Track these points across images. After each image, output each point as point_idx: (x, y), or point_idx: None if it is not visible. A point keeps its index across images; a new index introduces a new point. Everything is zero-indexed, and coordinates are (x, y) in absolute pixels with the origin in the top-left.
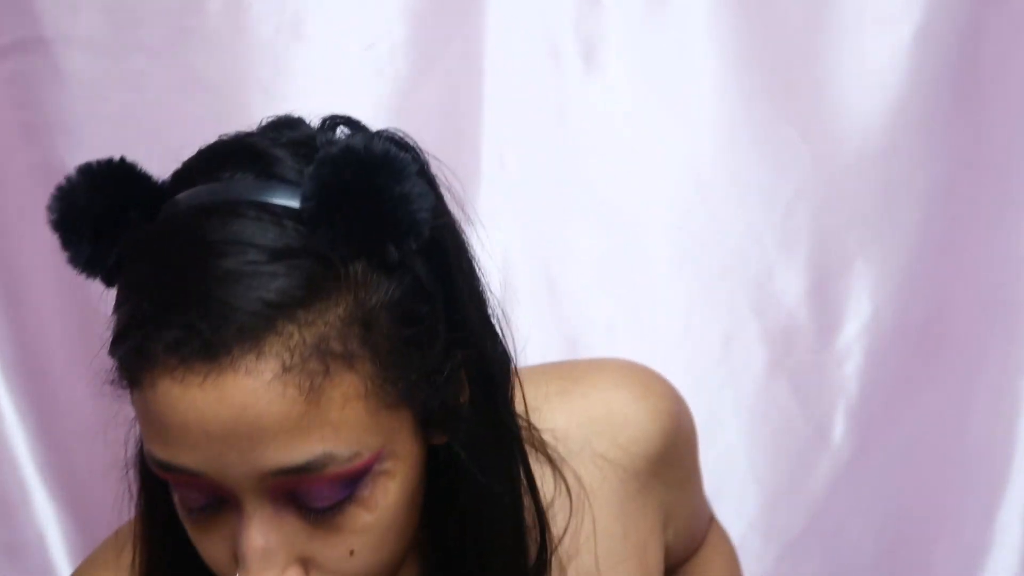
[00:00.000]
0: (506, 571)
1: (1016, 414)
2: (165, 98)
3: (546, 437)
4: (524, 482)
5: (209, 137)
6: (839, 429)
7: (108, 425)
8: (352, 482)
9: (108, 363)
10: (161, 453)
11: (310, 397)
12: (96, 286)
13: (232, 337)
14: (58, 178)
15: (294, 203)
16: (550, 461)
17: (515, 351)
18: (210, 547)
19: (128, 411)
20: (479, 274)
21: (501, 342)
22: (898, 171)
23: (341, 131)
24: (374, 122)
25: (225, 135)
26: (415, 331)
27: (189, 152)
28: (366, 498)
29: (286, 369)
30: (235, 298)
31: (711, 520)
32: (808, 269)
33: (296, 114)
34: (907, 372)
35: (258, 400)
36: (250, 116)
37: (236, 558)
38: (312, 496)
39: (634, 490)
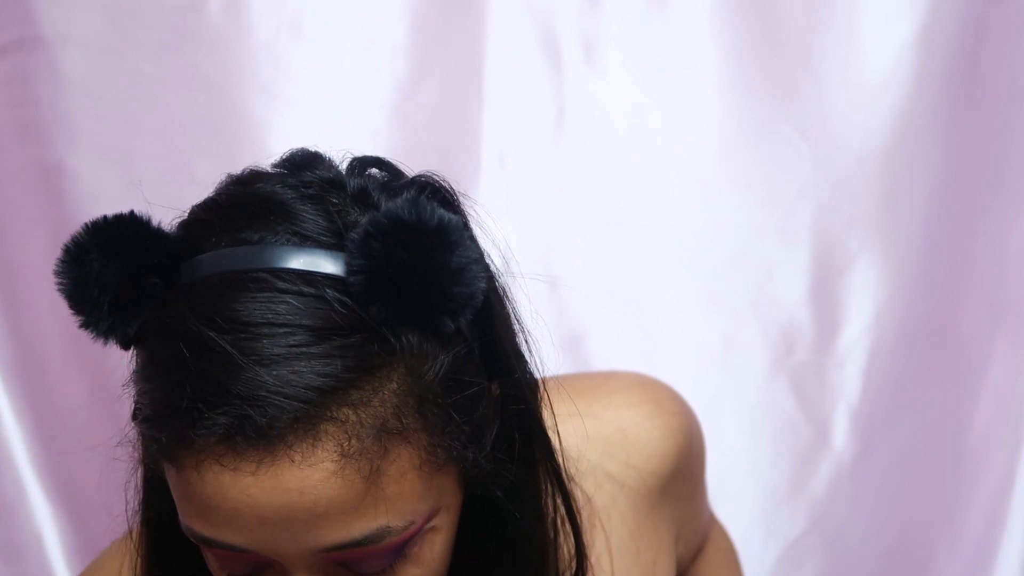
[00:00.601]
0: None
1: (1019, 414)
2: (165, 98)
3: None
4: (564, 512)
5: (209, 137)
6: (840, 430)
7: (108, 423)
8: (401, 547)
9: (109, 370)
10: (206, 531)
11: (369, 478)
12: None
13: (287, 426)
14: (57, 178)
15: (334, 269)
16: (570, 512)
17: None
18: None
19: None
20: (513, 315)
21: (531, 373)
22: (899, 171)
23: (374, 180)
24: (374, 122)
25: (236, 177)
26: (464, 396)
27: (190, 151)
28: (415, 554)
29: (344, 455)
30: (286, 386)
31: (711, 518)
32: (809, 269)
33: (312, 148)
34: (909, 373)
35: (315, 486)
36: (250, 116)
37: None
38: (365, 565)
39: (647, 509)
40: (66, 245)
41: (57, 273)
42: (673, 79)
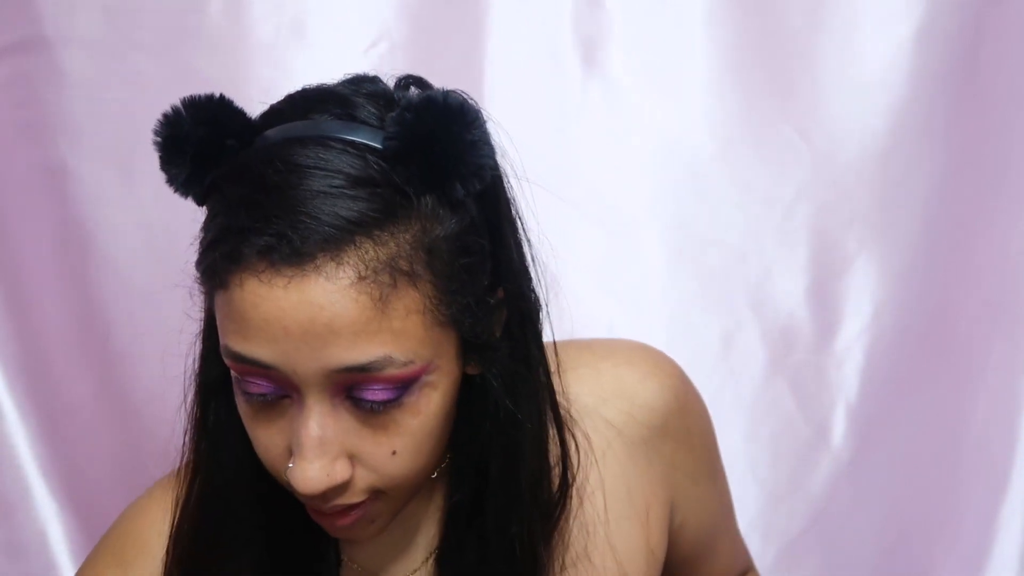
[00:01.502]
0: (531, 497)
1: (1016, 414)
2: (165, 98)
3: (560, 400)
4: (550, 413)
5: None
6: (839, 429)
7: (108, 420)
8: (403, 387)
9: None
10: (239, 347)
11: (378, 305)
12: (99, 286)
13: (316, 246)
14: (58, 178)
15: (375, 143)
16: (558, 418)
17: (547, 299)
18: (266, 438)
19: (131, 409)
20: (521, 224)
21: (535, 287)
22: (898, 171)
23: (413, 90)
24: None
25: (309, 85)
26: (468, 262)
27: None
28: (412, 404)
29: (361, 278)
30: (322, 213)
31: (749, 568)
32: (808, 269)
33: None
34: (907, 372)
35: (334, 303)
36: (251, 115)
37: (290, 450)
38: (367, 394)
39: (640, 455)
40: (164, 112)
41: (155, 132)
42: (672, 79)
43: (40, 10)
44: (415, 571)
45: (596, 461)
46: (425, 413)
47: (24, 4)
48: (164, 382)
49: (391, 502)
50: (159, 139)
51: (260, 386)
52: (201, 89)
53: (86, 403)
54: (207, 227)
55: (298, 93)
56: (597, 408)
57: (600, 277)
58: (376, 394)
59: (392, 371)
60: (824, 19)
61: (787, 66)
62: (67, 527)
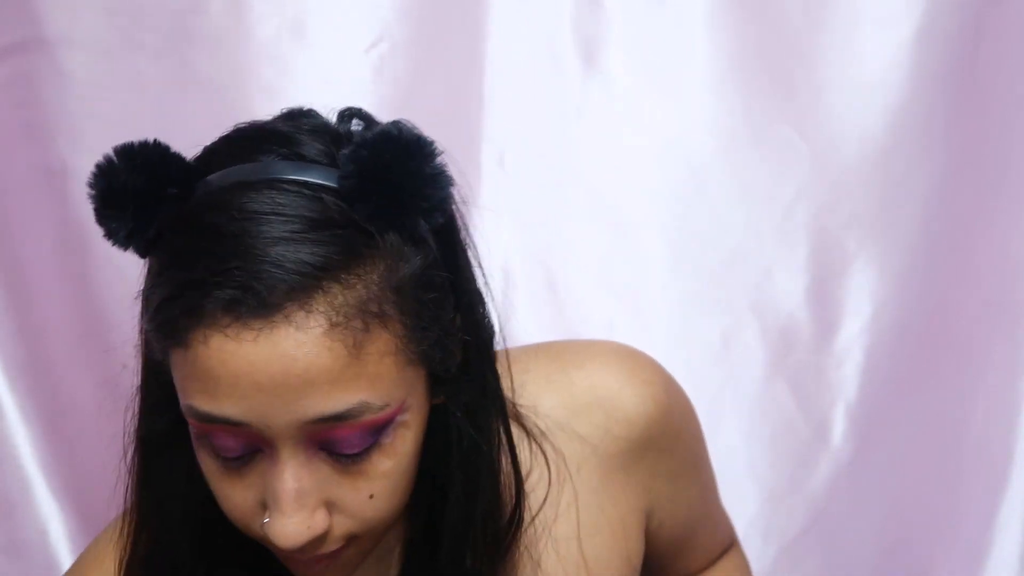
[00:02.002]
0: (485, 524)
1: (1016, 414)
2: (165, 98)
3: (527, 412)
4: (504, 441)
5: (210, 137)
6: (838, 429)
7: (109, 418)
8: (378, 430)
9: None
10: (206, 406)
11: (352, 352)
12: (99, 286)
13: (284, 296)
14: (59, 178)
15: (329, 182)
16: (527, 433)
17: (499, 325)
18: (237, 496)
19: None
20: (472, 251)
21: (488, 314)
22: (898, 171)
23: (356, 123)
24: None
25: (242, 124)
26: (433, 296)
27: (191, 152)
28: (387, 446)
29: (333, 325)
30: (286, 261)
31: (731, 542)
32: (808, 269)
33: (306, 107)
34: (907, 372)
35: (307, 354)
36: (251, 116)
37: (262, 505)
38: (343, 444)
39: (614, 469)
40: (98, 163)
41: (90, 184)
42: (672, 79)
43: (40, 10)
44: None
45: (571, 476)
46: (400, 453)
47: (24, 4)
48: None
49: (366, 543)
50: (94, 192)
51: (229, 443)
52: (202, 90)
53: (87, 401)
54: (156, 282)
55: (235, 133)
56: (570, 422)
57: (600, 277)
58: (351, 446)
59: (368, 416)
60: (824, 19)
61: (787, 66)
62: (68, 526)
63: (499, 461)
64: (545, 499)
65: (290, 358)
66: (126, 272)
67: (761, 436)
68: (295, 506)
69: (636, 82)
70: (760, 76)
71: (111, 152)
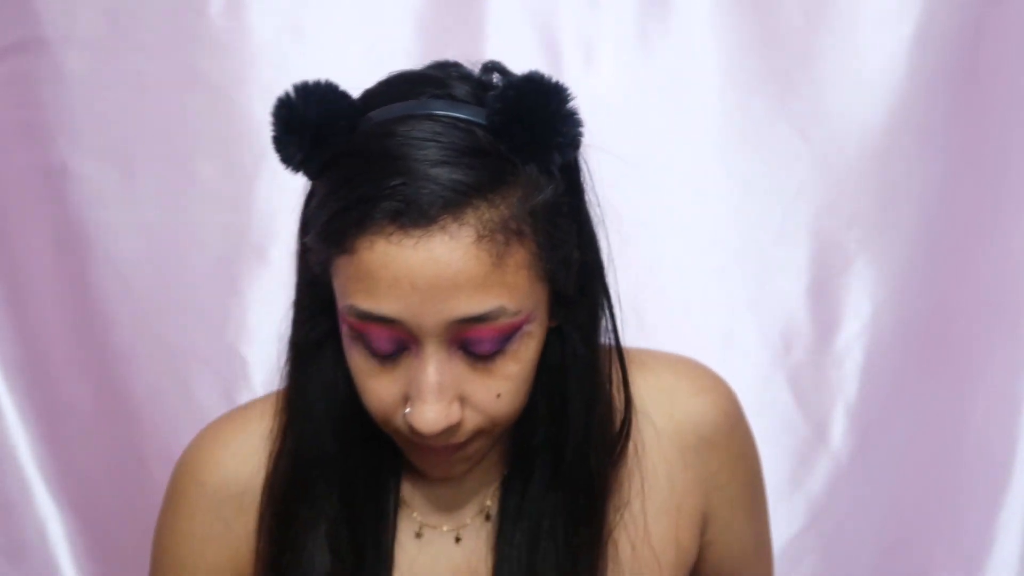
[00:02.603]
0: (603, 430)
1: (1016, 414)
2: (165, 98)
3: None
4: (617, 360)
5: (210, 137)
6: (838, 429)
7: (108, 420)
8: (509, 336)
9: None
10: (366, 305)
11: (495, 261)
12: (99, 286)
13: (440, 209)
14: (58, 178)
15: (478, 119)
16: (623, 365)
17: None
18: (382, 390)
19: (131, 409)
20: (592, 189)
21: (600, 252)
22: (897, 171)
23: (496, 76)
24: None
25: (395, 71)
26: (561, 223)
27: (191, 152)
28: (514, 351)
29: (480, 237)
30: (442, 180)
31: None
32: (808, 268)
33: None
34: (906, 372)
35: (457, 260)
36: (251, 116)
37: (404, 399)
38: (479, 344)
39: (679, 460)
40: (279, 97)
41: (273, 114)
42: (673, 79)
43: (40, 10)
44: (465, 526)
45: (646, 456)
46: (524, 360)
47: (24, 4)
48: (164, 382)
49: (487, 440)
50: (276, 121)
51: (382, 341)
52: (202, 90)
53: (86, 403)
54: (325, 201)
55: (394, 78)
56: (645, 407)
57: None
58: (485, 346)
59: (504, 320)
60: (824, 18)
61: (787, 65)
62: (67, 527)
63: (609, 377)
64: (631, 424)
65: (443, 263)
66: (125, 272)
67: (761, 435)
68: (436, 396)
69: (635, 82)
70: (760, 76)
71: (290, 88)
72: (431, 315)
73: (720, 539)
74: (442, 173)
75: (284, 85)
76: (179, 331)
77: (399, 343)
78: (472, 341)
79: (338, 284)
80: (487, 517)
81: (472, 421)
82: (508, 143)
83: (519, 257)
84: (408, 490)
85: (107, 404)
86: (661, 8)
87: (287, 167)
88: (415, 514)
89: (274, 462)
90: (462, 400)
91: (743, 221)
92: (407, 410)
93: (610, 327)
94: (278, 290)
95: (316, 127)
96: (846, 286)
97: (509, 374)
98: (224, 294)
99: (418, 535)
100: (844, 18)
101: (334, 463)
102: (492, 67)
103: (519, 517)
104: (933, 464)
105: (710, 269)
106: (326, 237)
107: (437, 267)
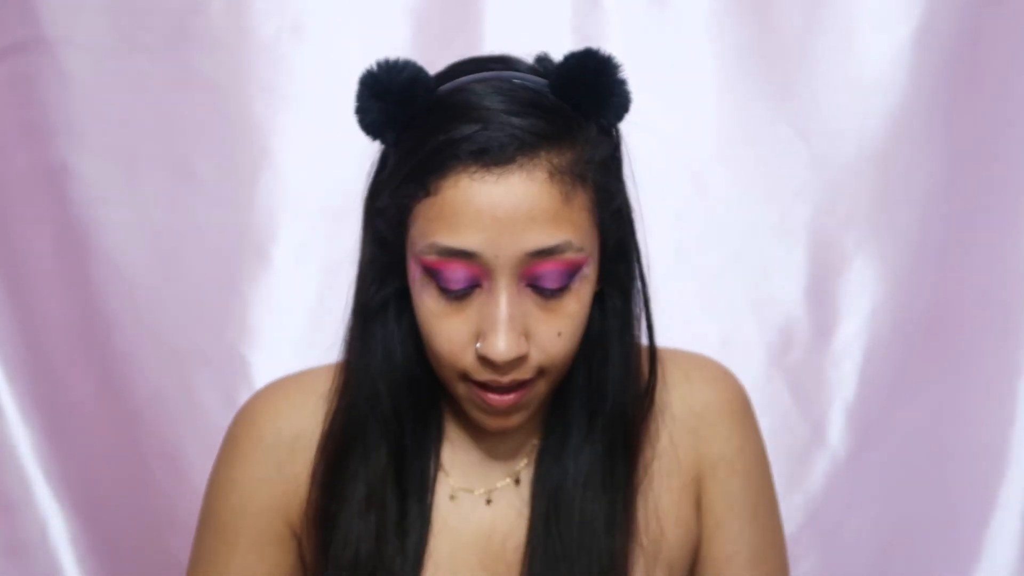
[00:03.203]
0: (637, 380)
1: (1013, 413)
2: (165, 98)
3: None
4: (646, 322)
5: (211, 137)
6: (836, 428)
7: (108, 420)
8: (572, 273)
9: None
10: (447, 240)
11: (564, 199)
12: (99, 286)
13: (517, 151)
14: (59, 178)
15: (542, 87)
16: (651, 328)
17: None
18: (453, 328)
19: (131, 408)
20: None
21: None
22: (896, 171)
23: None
24: None
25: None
26: (613, 178)
27: (192, 152)
28: (575, 291)
29: (551, 176)
30: (519, 124)
31: None
32: (806, 268)
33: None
34: (905, 371)
35: (533, 195)
36: (252, 116)
37: (474, 337)
38: (547, 278)
39: (685, 438)
40: (366, 71)
41: (361, 82)
42: (672, 79)
43: (40, 11)
44: (495, 489)
45: (659, 439)
46: (582, 301)
47: (24, 4)
48: (164, 381)
49: (544, 386)
50: (362, 88)
51: (458, 276)
52: (202, 90)
53: (87, 402)
54: (407, 155)
55: (461, 61)
56: (660, 391)
57: None
58: (552, 278)
59: (570, 255)
60: (823, 19)
61: (786, 66)
62: (68, 526)
63: (639, 336)
64: (655, 382)
65: (521, 197)
66: (126, 272)
67: None
68: (508, 327)
69: (635, 82)
70: (759, 76)
71: (373, 65)
72: (508, 246)
73: (712, 537)
74: (517, 120)
75: (284, 85)
76: (180, 330)
77: (472, 280)
78: (540, 276)
79: (416, 229)
80: (517, 481)
81: (534, 358)
82: (571, 102)
83: (583, 199)
84: (448, 455)
85: (108, 403)
86: (660, 9)
87: (368, 134)
88: (450, 479)
89: (330, 418)
90: (528, 336)
91: (742, 221)
92: (478, 344)
93: (640, 288)
94: (278, 290)
95: (399, 92)
96: (844, 286)
97: (570, 312)
98: (224, 294)
99: (452, 497)
100: (842, 19)
101: (387, 423)
102: (545, 56)
103: (550, 480)
104: (930, 463)
105: (709, 269)
106: (409, 184)
107: (516, 200)
